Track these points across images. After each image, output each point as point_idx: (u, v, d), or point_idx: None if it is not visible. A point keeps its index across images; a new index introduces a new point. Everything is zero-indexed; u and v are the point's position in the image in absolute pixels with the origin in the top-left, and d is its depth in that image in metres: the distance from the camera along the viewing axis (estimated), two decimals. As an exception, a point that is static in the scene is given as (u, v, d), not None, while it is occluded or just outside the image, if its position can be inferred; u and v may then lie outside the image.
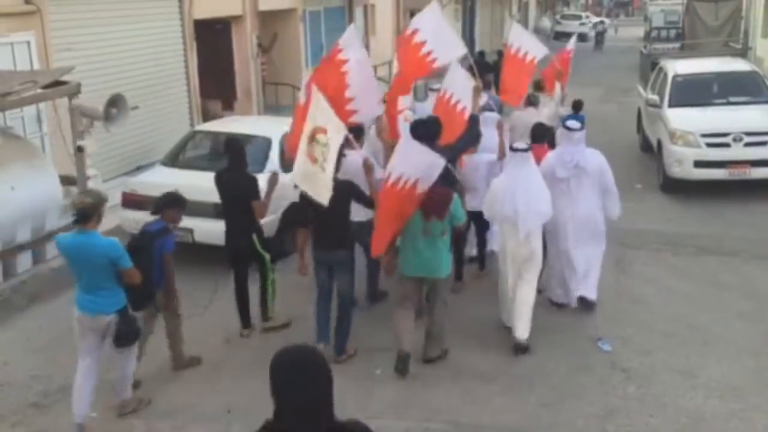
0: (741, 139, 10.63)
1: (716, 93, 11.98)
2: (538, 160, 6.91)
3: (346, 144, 5.99)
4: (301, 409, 2.35)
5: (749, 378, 6.08)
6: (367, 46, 20.13)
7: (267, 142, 8.85)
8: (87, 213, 4.96)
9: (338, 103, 6.65)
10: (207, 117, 12.93)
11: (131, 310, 5.25)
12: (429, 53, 7.40)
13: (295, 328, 6.95)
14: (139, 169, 10.48)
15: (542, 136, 7.82)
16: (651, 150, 12.74)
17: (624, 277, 8.31)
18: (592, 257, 7.13)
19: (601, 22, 49.81)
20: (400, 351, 6.03)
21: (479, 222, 7.51)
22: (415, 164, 5.74)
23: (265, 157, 8.67)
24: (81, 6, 10.56)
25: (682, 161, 10.88)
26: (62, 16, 10.15)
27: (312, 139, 5.79)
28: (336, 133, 5.75)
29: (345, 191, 6.07)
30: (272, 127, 9.45)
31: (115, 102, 8.42)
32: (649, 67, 16.55)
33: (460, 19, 26.82)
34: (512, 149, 6.65)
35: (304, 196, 6.06)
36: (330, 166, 5.65)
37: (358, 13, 19.72)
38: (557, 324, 7.06)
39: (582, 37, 34.85)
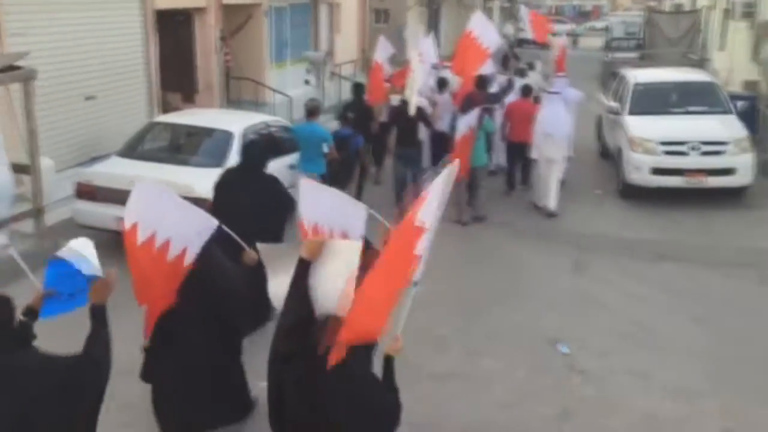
0: (698, 148, 10.82)
1: (675, 102, 12.16)
2: (527, 110, 10.93)
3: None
4: None
5: (703, 381, 6.16)
6: (331, 44, 20.08)
7: (228, 136, 8.68)
8: None
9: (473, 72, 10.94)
10: (167, 109, 12.66)
11: None
12: (483, 44, 11.13)
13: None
14: (94, 160, 10.22)
15: (529, 92, 11.50)
16: (610, 157, 12.89)
17: (582, 280, 8.38)
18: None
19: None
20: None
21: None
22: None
23: (226, 151, 8.49)
24: (36, -10, 10.25)
25: (640, 168, 11.02)
26: (16, 0, 9.82)
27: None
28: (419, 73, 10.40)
29: (419, 113, 10.17)
30: (233, 121, 9.30)
31: None
32: (610, 75, 16.77)
33: (425, 21, 26.87)
34: (547, 92, 11.01)
35: (397, 108, 10.36)
36: (414, 90, 10.08)
37: (323, 10, 19.59)
38: (515, 326, 7.08)
39: (544, 46, 35.23)
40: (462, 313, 7.30)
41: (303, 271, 3.57)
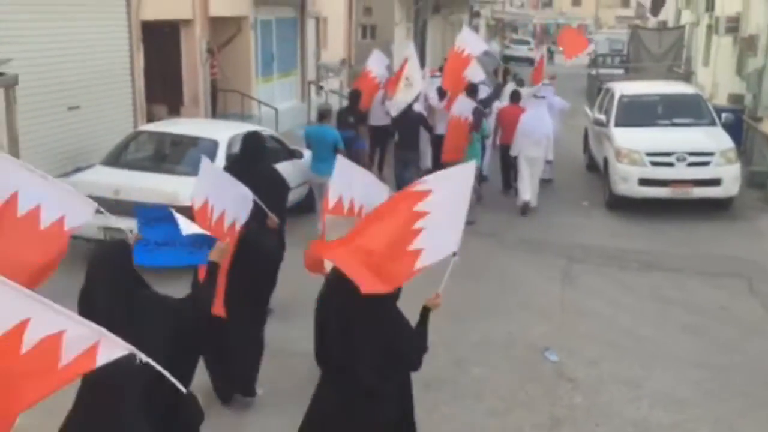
0: (684, 159, 10.85)
1: (661, 114, 12.22)
2: (515, 115, 11.35)
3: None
4: None
5: (692, 389, 6.11)
6: (318, 58, 20.11)
7: (214, 145, 8.59)
8: None
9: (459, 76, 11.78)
10: (152, 121, 12.56)
11: None
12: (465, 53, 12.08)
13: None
14: (78, 170, 10.09)
15: (518, 98, 12.11)
16: (597, 169, 12.92)
17: (571, 290, 8.33)
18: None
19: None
20: None
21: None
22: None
23: (212, 160, 8.38)
24: (20, -2, 10.15)
25: (627, 179, 11.03)
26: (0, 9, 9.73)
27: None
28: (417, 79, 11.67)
29: (418, 117, 11.22)
30: (219, 130, 9.22)
31: None
32: (596, 89, 16.88)
33: (411, 36, 26.96)
34: (534, 96, 11.87)
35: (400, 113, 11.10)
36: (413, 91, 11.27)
37: (310, 25, 19.60)
38: (504, 334, 7.02)
39: (530, 62, 35.49)
40: (450, 322, 7.17)
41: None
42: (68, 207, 4.31)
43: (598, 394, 6.00)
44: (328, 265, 4.18)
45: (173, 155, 9.05)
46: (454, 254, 3.87)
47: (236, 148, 8.38)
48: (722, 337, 7.12)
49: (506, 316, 7.46)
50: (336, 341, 3.81)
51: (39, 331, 2.88)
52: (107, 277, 3.55)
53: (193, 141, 8.90)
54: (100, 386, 3.31)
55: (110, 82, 11.99)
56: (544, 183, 12.18)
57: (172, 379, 3.02)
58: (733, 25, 17.32)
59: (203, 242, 4.03)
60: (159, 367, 3.00)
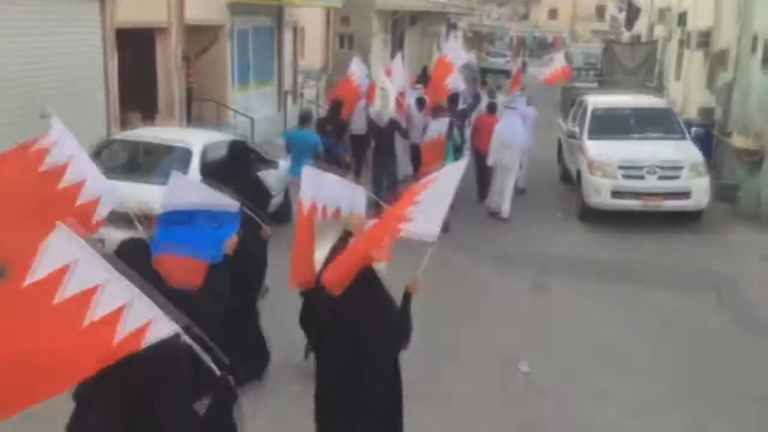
0: (654, 172, 11.00)
1: (633, 127, 12.37)
2: (491, 124, 11.80)
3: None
4: None
5: (660, 397, 6.18)
6: (295, 68, 20.11)
7: (187, 153, 8.55)
8: None
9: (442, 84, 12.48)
10: (126, 129, 12.46)
11: None
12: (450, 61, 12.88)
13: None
14: (50, 177, 9.96)
15: (494, 110, 12.46)
16: (570, 180, 13.05)
17: (542, 299, 8.40)
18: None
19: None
20: None
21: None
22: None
23: (185, 168, 8.35)
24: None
25: (600, 191, 11.16)
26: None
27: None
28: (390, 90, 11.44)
29: (394, 124, 11.36)
30: (192, 138, 9.18)
31: None
32: (570, 101, 17.06)
33: (389, 47, 27.10)
34: (506, 107, 12.07)
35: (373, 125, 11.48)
36: (389, 102, 11.20)
37: (287, 34, 19.60)
38: (475, 345, 7.04)
39: (507, 74, 35.80)
40: (422, 330, 7.17)
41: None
42: (106, 192, 4.77)
43: (568, 402, 6.05)
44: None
45: (146, 163, 8.98)
46: (432, 244, 4.08)
47: (210, 156, 8.39)
48: (691, 346, 7.22)
49: (477, 326, 7.50)
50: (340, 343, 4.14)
51: (106, 302, 2.91)
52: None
53: (166, 149, 8.85)
54: (143, 368, 3.19)
55: (83, 88, 11.86)
56: (518, 193, 12.31)
57: (209, 362, 3.16)
58: (704, 40, 17.61)
59: (227, 220, 4.37)
60: (198, 350, 3.14)
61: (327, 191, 5.04)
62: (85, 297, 2.89)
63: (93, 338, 2.87)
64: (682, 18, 21.55)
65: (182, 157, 8.49)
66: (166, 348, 3.02)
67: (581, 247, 10.40)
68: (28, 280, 2.85)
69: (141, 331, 2.93)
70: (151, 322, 2.95)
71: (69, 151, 4.75)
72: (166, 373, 3.30)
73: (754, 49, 13.38)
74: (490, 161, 11.61)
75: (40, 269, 2.87)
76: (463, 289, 8.57)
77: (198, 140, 8.85)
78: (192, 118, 15.24)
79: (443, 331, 7.30)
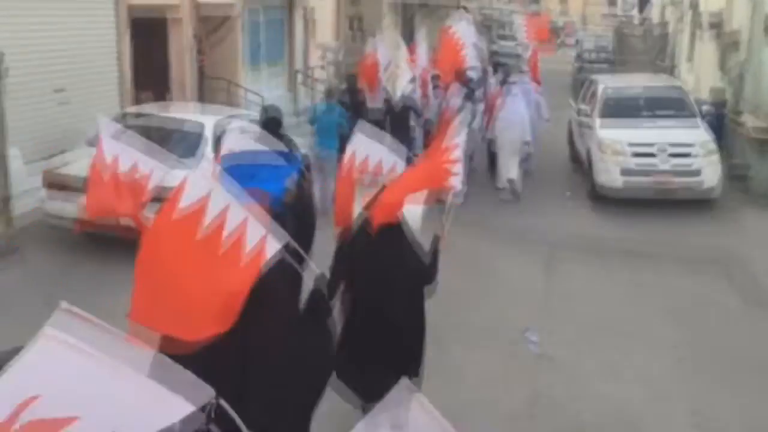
0: (665, 151, 10.99)
1: (643, 106, 12.34)
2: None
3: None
4: None
5: (668, 368, 6.26)
6: (306, 49, 20.11)
7: (200, 127, 8.62)
8: None
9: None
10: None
11: None
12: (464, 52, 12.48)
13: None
14: (64, 152, 10.07)
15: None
16: (580, 160, 13.05)
17: (552, 275, 8.46)
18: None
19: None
20: None
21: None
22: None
23: (198, 143, 8.44)
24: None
25: (609, 171, 11.16)
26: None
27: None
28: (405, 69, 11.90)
29: (409, 103, 11.43)
30: (206, 113, 9.27)
31: None
32: (581, 82, 17.03)
33: (399, 29, 26.99)
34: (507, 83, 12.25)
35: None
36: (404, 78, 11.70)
37: (298, 14, 19.59)
38: (485, 318, 7.12)
39: (518, 58, 35.66)
40: (431, 305, 7.29)
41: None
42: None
43: (577, 371, 6.12)
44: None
45: (160, 137, 9.05)
46: (456, 195, 5.01)
47: (221, 131, 8.45)
48: (699, 321, 7.27)
49: (487, 299, 7.57)
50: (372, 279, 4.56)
51: (234, 220, 3.20)
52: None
53: (179, 123, 8.93)
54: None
55: (97, 66, 11.97)
56: (526, 177, 12.29)
57: (304, 274, 3.62)
58: (716, 21, 17.49)
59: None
60: (294, 264, 3.53)
61: (371, 148, 5.56)
62: (221, 219, 3.24)
63: (227, 264, 3.16)
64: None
65: (195, 132, 8.56)
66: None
67: (591, 225, 10.44)
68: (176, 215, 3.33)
69: (261, 248, 3.21)
70: (266, 235, 3.23)
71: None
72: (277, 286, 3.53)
73: (766, 30, 13.29)
74: (489, 134, 12.02)
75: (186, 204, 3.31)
76: (473, 268, 8.61)
77: (211, 115, 8.93)
78: (203, 97, 15.31)
79: (452, 303, 7.33)
